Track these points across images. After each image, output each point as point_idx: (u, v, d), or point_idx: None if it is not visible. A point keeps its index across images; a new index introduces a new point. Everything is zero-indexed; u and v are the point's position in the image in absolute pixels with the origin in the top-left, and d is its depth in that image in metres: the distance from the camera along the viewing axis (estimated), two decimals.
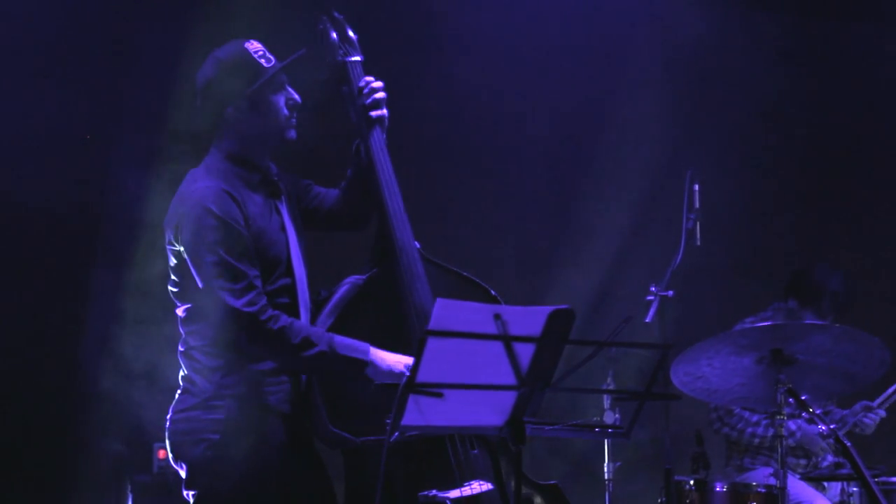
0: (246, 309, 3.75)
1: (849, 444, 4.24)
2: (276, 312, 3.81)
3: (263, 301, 3.80)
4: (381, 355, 3.83)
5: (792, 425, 5.69)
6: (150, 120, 5.85)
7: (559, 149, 6.96)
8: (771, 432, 5.71)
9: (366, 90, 4.12)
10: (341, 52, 4.16)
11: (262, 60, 3.93)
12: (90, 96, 5.98)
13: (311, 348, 3.78)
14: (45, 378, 5.88)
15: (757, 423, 5.75)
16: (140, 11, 6.10)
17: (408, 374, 3.64)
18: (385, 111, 4.14)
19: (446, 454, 3.91)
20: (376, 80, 4.15)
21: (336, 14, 4.19)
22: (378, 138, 4.11)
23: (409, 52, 6.50)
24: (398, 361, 3.82)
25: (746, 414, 5.77)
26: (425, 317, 3.85)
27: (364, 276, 4.01)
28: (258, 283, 3.82)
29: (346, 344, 3.82)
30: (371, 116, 4.11)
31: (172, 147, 5.27)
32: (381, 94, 4.13)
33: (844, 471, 5.29)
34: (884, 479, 5.28)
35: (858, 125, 7.36)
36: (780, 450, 4.40)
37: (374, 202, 4.09)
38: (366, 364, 3.80)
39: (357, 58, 4.18)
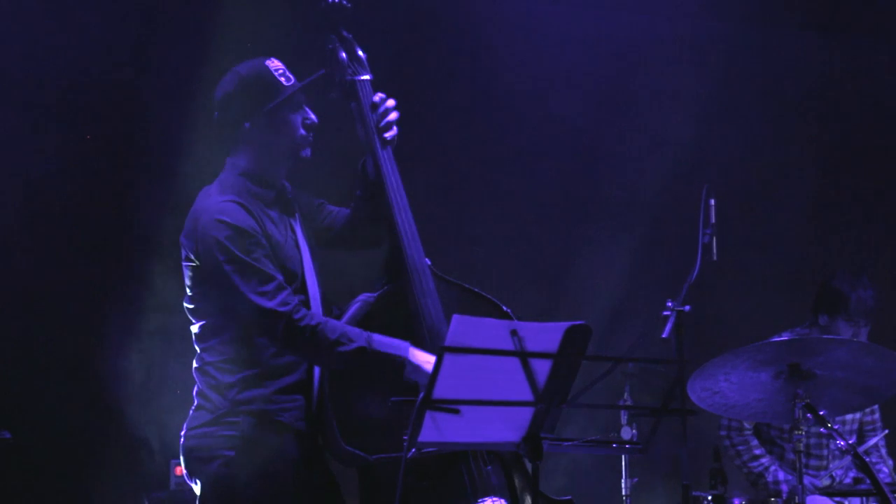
0: (281, 308, 3.75)
1: (868, 459, 4.22)
2: (310, 311, 3.81)
3: (296, 300, 3.80)
4: (420, 354, 3.80)
5: (780, 475, 5.69)
6: (168, 139, 5.89)
7: (573, 163, 6.95)
8: (757, 472, 5.72)
9: (380, 108, 4.13)
10: (350, 71, 4.18)
11: (282, 79, 3.96)
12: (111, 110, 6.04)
13: (349, 344, 3.77)
14: (64, 391, 5.89)
15: (754, 458, 5.74)
16: (154, 36, 6.13)
17: None
18: (396, 131, 4.15)
19: (460, 471, 3.90)
20: (389, 98, 4.16)
21: (345, 33, 4.20)
22: (388, 156, 4.12)
23: (420, 65, 6.51)
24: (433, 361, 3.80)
25: (754, 442, 5.76)
26: (436, 333, 3.86)
27: (375, 294, 4.01)
28: (286, 285, 3.83)
29: (385, 342, 3.80)
30: (384, 138, 4.12)
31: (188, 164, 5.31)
32: (394, 115, 4.14)
33: (864, 486, 5.27)
34: None
35: (880, 135, 7.34)
36: (799, 466, 4.38)
37: (384, 221, 4.09)
38: (404, 362, 3.78)
39: (366, 76, 4.19)
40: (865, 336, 5.79)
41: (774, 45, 7.27)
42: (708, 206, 4.69)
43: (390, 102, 4.15)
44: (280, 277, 3.81)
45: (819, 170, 7.29)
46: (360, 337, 3.78)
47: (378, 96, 4.15)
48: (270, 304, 3.75)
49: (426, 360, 3.78)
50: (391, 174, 4.10)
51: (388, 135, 4.12)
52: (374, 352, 3.77)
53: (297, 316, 3.76)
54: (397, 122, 4.14)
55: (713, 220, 4.69)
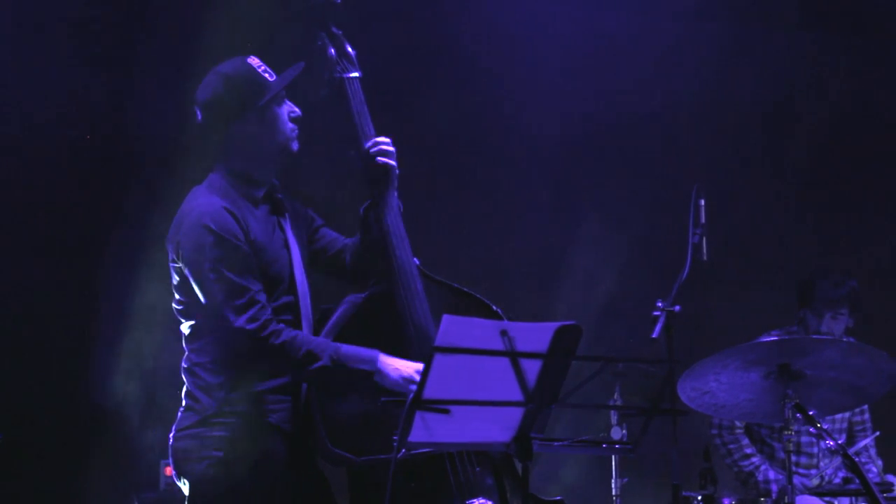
0: (248, 326, 3.75)
1: (857, 460, 4.22)
2: (279, 327, 3.80)
3: (266, 316, 3.79)
4: (391, 362, 3.80)
5: (771, 474, 5.70)
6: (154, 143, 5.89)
7: (564, 163, 6.96)
8: (747, 471, 5.72)
9: (373, 149, 4.09)
10: (339, 68, 4.16)
11: (266, 75, 3.96)
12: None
13: (315, 362, 3.77)
14: (54, 393, 5.88)
15: (745, 457, 5.75)
16: (138, 35, 6.12)
17: (417, 378, 3.65)
18: (392, 162, 4.08)
19: (448, 472, 3.89)
20: (385, 137, 4.11)
21: (334, 30, 4.19)
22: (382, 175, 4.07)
23: (414, 64, 6.51)
24: (407, 366, 3.80)
25: (745, 441, 5.78)
26: (424, 334, 3.86)
27: (363, 294, 4.00)
28: (261, 297, 3.82)
29: (353, 354, 3.80)
30: (377, 163, 4.05)
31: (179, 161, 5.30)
32: (388, 148, 4.09)
33: (853, 486, 5.28)
34: (893, 494, 5.27)
35: (869, 136, 7.35)
36: (788, 466, 4.39)
37: (377, 263, 4.05)
38: (372, 374, 3.78)
39: (355, 74, 4.18)
40: (840, 328, 5.80)
41: (763, 44, 7.28)
42: (698, 206, 4.68)
43: (385, 140, 4.10)
44: (255, 289, 3.80)
45: (809, 170, 7.30)
46: (325, 353, 3.78)
47: (374, 140, 4.09)
48: (238, 322, 3.75)
49: (398, 366, 3.79)
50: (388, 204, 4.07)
51: (380, 159, 4.05)
52: (341, 366, 3.78)
53: (264, 333, 3.76)
54: (394, 157, 4.09)
55: (703, 221, 4.68)
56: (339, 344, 3.82)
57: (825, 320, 5.78)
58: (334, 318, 3.96)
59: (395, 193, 4.10)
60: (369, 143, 4.08)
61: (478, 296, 4.10)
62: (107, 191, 6.09)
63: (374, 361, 3.79)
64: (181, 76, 4.75)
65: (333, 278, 4.27)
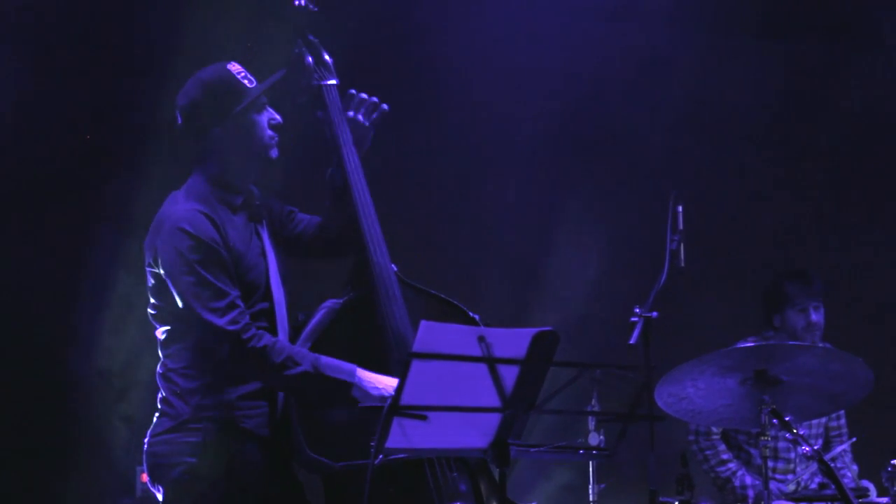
0: (229, 327, 3.74)
1: (833, 465, 4.24)
2: (260, 331, 3.79)
3: (246, 319, 3.79)
4: (368, 376, 3.80)
5: (747, 480, 5.72)
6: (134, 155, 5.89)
7: (544, 168, 6.97)
8: (724, 477, 5.74)
9: (357, 98, 4.15)
10: (317, 75, 4.16)
11: (245, 81, 3.95)
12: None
13: (294, 368, 3.77)
14: (30, 397, 5.86)
15: (721, 463, 5.77)
16: (119, 44, 6.11)
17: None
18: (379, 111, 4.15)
19: (425, 477, 3.89)
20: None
21: (311, 37, 4.20)
22: (354, 161, 4.10)
23: (390, 69, 6.50)
24: (385, 382, 3.79)
25: (722, 447, 5.79)
26: (402, 340, 3.85)
27: (341, 300, 4.00)
28: (240, 302, 3.81)
29: (332, 365, 3.80)
30: (368, 120, 4.13)
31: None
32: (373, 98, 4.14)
33: (829, 492, 5.30)
34: (868, 500, 5.29)
35: (844, 141, 7.39)
36: (765, 471, 4.40)
37: (353, 229, 4.08)
38: (351, 385, 3.78)
39: (333, 81, 4.18)
40: (822, 320, 5.82)
41: (740, 53, 7.31)
42: (675, 212, 4.70)
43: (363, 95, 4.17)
44: (234, 293, 3.79)
45: (785, 176, 7.33)
46: (306, 361, 3.77)
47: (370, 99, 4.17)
48: (219, 323, 3.74)
49: (375, 380, 3.78)
50: (358, 180, 4.08)
51: (375, 114, 4.13)
52: (320, 375, 3.77)
53: (244, 336, 3.75)
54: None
55: (681, 227, 4.70)
56: (318, 355, 3.82)
57: (810, 312, 5.80)
58: (312, 323, 3.95)
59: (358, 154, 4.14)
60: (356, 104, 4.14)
61: (455, 302, 4.10)
62: (86, 192, 6.08)
63: (352, 374, 3.79)
64: (165, 77, 4.76)
65: (318, 258, 4.26)
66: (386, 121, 4.24)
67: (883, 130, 7.36)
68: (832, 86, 7.41)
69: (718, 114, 7.21)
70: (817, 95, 7.40)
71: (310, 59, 4.16)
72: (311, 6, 4.18)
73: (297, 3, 4.19)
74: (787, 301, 5.87)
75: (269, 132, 3.98)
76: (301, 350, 3.84)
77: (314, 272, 4.58)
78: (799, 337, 5.77)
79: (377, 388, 3.78)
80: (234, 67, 3.97)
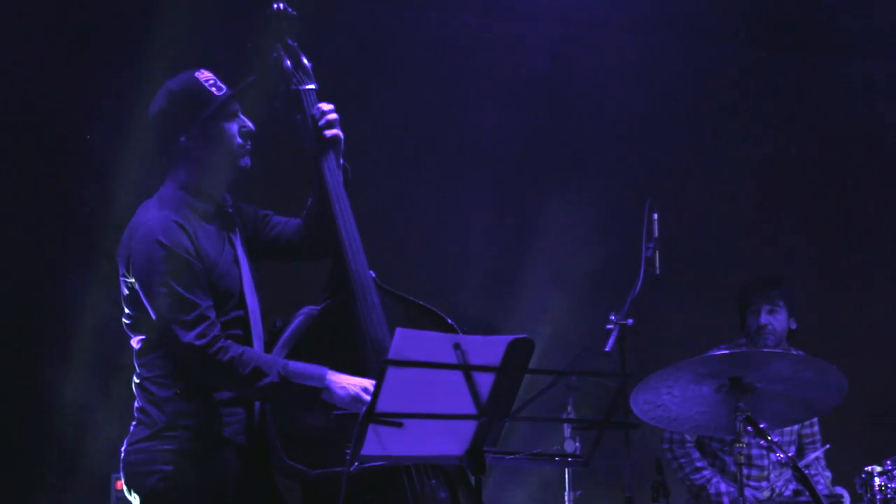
0: (196, 342, 3.73)
1: (807, 472, 4.26)
2: (227, 343, 3.77)
3: (215, 332, 3.77)
4: (338, 379, 3.77)
5: (722, 487, 5.74)
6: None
7: (519, 175, 6.98)
8: (699, 484, 5.76)
9: (317, 115, 4.08)
10: (295, 80, 4.13)
11: (213, 89, 3.92)
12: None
13: (262, 379, 3.75)
14: (4, 411, 5.83)
15: (696, 470, 5.79)
16: (98, 53, 6.10)
17: (365, 397, 3.64)
18: (339, 132, 4.08)
19: (403, 484, 3.88)
20: (327, 103, 4.11)
21: (290, 42, 4.16)
22: (332, 165, 4.09)
23: (367, 71, 6.50)
24: (355, 384, 3.77)
25: (696, 455, 5.81)
26: (380, 347, 3.83)
27: (318, 307, 3.98)
28: (211, 313, 3.79)
29: (300, 371, 3.77)
30: (325, 136, 4.05)
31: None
32: (333, 115, 4.08)
33: (804, 498, 5.32)
34: None
35: (818, 148, 7.44)
36: (739, 478, 4.42)
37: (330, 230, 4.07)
38: (320, 391, 3.77)
39: (311, 86, 4.14)
40: (780, 325, 5.84)
41: (714, 59, 7.35)
42: (651, 220, 4.72)
43: (328, 106, 4.10)
44: (205, 304, 3.78)
45: (759, 184, 7.37)
46: (273, 371, 3.75)
47: (317, 107, 4.11)
48: (187, 337, 3.73)
49: (346, 382, 3.77)
50: (335, 185, 4.07)
51: (328, 133, 4.05)
52: (288, 384, 3.75)
53: (211, 350, 3.73)
54: (338, 123, 4.08)
55: (656, 234, 4.72)
56: (287, 360, 3.80)
57: (763, 315, 5.82)
58: (289, 329, 3.94)
59: (341, 160, 4.09)
60: (317, 114, 4.06)
61: (433, 309, 4.09)
62: (58, 199, 6.06)
63: (322, 378, 3.77)
64: (139, 83, 4.75)
65: (296, 260, 4.23)
66: (363, 128, 4.22)
67: (857, 138, 7.41)
68: (806, 93, 7.46)
69: (693, 122, 7.25)
70: (791, 103, 7.45)
71: (288, 63, 4.13)
72: (289, 10, 4.16)
73: (275, 6, 4.17)
74: (744, 303, 5.91)
75: (240, 140, 3.95)
76: (269, 359, 3.81)
77: (292, 278, 4.57)
78: (754, 341, 5.78)
79: (347, 389, 3.76)
80: (203, 75, 3.94)
